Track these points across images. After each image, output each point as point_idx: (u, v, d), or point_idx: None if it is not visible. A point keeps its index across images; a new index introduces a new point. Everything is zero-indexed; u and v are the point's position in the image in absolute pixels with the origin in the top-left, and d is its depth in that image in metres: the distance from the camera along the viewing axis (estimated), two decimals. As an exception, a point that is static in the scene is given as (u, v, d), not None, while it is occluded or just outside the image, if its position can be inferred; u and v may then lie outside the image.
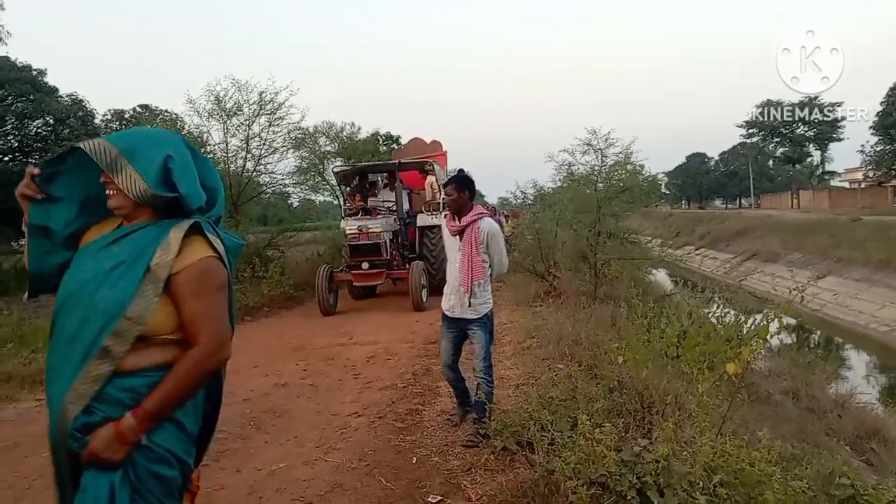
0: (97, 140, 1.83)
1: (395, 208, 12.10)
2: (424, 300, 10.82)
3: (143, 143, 1.88)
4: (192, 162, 1.93)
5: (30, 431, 5.57)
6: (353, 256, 11.18)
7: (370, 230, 11.02)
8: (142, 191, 1.82)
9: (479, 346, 4.63)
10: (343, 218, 12.45)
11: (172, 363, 1.81)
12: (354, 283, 11.54)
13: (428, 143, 15.62)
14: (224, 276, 1.91)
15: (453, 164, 15.02)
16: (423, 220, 12.28)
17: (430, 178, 13.76)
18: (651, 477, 3.08)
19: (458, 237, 4.66)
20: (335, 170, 14.05)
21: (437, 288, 10.99)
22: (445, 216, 4.87)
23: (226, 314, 1.93)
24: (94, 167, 1.85)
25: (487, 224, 4.62)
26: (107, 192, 1.86)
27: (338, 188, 13.51)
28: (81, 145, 1.82)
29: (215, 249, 1.88)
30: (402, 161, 13.03)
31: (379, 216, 11.73)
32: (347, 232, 11.29)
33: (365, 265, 11.00)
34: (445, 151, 15.34)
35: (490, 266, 4.67)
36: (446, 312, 4.75)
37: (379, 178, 14.20)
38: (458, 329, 4.71)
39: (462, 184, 4.71)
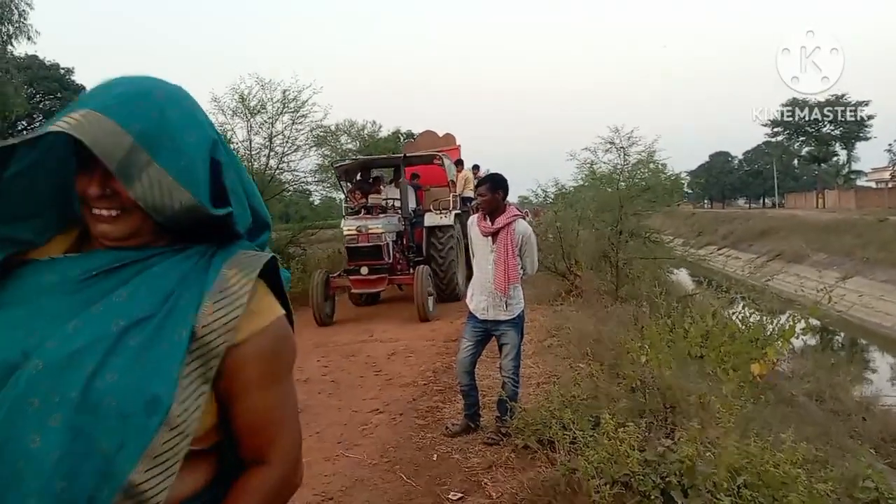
0: (86, 113, 0.94)
1: (400, 206, 11.09)
2: (431, 309, 9.81)
3: (172, 117, 1.01)
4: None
5: None
6: (351, 260, 10.06)
7: (370, 231, 9.87)
8: (182, 207, 1.00)
9: (509, 346, 4.60)
10: (343, 217, 11.28)
11: (207, 488, 1.06)
12: (352, 290, 10.44)
13: (440, 136, 14.93)
14: (296, 347, 1.16)
15: (470, 160, 14.87)
16: (431, 219, 11.14)
17: (466, 173, 13.39)
18: (675, 477, 3.06)
19: (490, 238, 4.59)
20: (335, 164, 12.96)
21: (445, 295, 10.59)
22: (468, 215, 4.86)
23: (297, 409, 1.18)
24: (66, 161, 1.05)
25: (523, 227, 4.58)
26: (100, 211, 1.00)
27: (339, 184, 12.59)
28: (69, 129, 0.92)
29: (286, 304, 1.12)
30: (408, 154, 12.03)
31: (381, 215, 10.54)
32: (345, 233, 10.18)
33: (364, 270, 9.87)
34: (459, 145, 14.85)
35: (522, 268, 4.63)
36: (476, 314, 4.67)
37: (384, 174, 13.45)
38: (485, 330, 4.67)
39: (496, 184, 4.62)
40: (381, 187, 12.16)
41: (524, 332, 4.82)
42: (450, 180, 11.93)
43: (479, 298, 4.64)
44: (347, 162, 13.10)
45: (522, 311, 4.68)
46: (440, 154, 11.96)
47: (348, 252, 10.12)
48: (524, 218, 4.79)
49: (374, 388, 6.28)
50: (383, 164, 13.44)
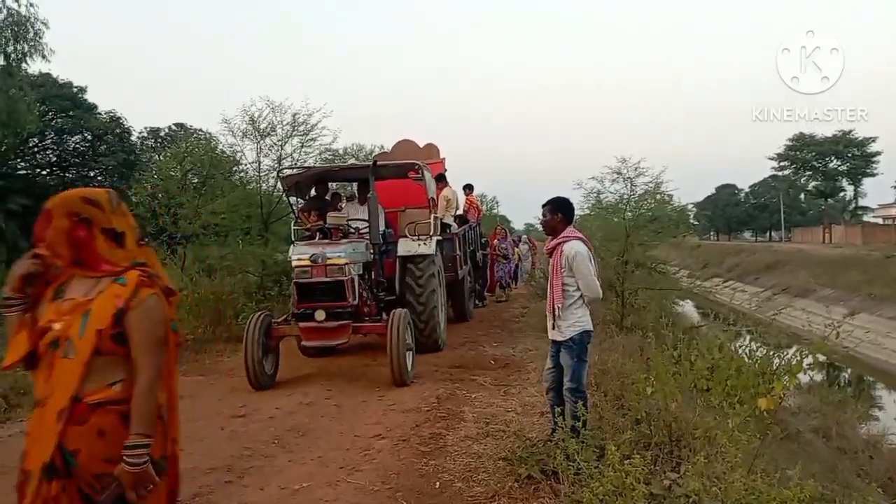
0: None
1: (368, 230, 8.29)
2: (410, 368, 7.33)
3: None
4: None
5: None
6: (302, 301, 7.45)
7: (329, 261, 7.29)
8: None
9: (566, 368, 4.66)
10: (293, 243, 8.55)
11: None
12: (303, 343, 7.86)
13: (421, 147, 12.66)
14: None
15: (461, 180, 14.06)
16: (406, 246, 8.80)
17: (448, 191, 11.98)
18: (680, 512, 3.03)
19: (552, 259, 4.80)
20: (282, 174, 9.98)
21: (425, 344, 8.42)
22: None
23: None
24: None
25: (569, 247, 4.64)
26: None
27: (287, 200, 9.99)
28: None
29: None
30: (379, 163, 9.35)
31: (343, 241, 7.85)
32: (295, 264, 7.49)
33: (320, 315, 7.30)
34: (443, 158, 13.05)
35: (578, 289, 4.65)
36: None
37: (350, 189, 10.84)
38: (556, 350, 4.78)
39: (556, 206, 4.81)
40: (342, 205, 9.59)
41: (586, 357, 4.72)
42: (430, 198, 9.62)
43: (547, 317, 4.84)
44: (297, 171, 10.47)
45: (580, 333, 4.64)
46: (419, 165, 9.52)
47: (298, 290, 7.50)
48: (585, 240, 4.82)
49: (376, 412, 6.24)
50: (345, 177, 11.14)
